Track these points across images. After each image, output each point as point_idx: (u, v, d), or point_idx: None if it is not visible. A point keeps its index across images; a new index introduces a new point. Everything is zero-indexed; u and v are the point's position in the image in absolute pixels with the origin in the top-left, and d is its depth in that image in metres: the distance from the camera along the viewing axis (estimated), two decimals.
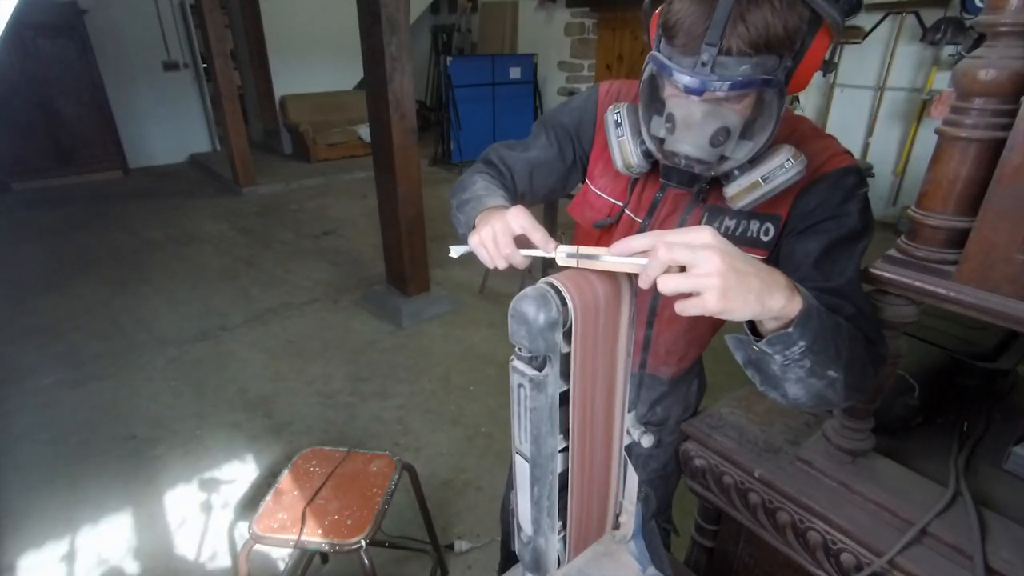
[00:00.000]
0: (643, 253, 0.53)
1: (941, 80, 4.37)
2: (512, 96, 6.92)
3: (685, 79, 0.63)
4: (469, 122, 6.62)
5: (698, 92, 0.64)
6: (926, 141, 4.54)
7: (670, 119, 0.70)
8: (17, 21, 5.14)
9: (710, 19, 0.61)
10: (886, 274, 0.74)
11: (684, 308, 0.53)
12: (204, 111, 7.09)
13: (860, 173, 0.76)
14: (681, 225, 0.84)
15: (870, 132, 4.88)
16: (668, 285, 0.51)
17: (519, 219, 0.65)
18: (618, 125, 0.79)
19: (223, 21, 5.32)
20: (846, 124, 5.03)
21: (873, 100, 4.81)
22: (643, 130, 0.77)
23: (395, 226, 3.23)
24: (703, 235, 0.51)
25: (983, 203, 0.64)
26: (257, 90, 7.32)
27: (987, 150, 0.64)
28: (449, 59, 6.35)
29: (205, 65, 6.12)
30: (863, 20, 4.63)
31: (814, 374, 0.60)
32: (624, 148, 0.79)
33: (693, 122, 0.67)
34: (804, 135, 0.79)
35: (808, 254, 0.74)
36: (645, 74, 0.72)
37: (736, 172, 0.73)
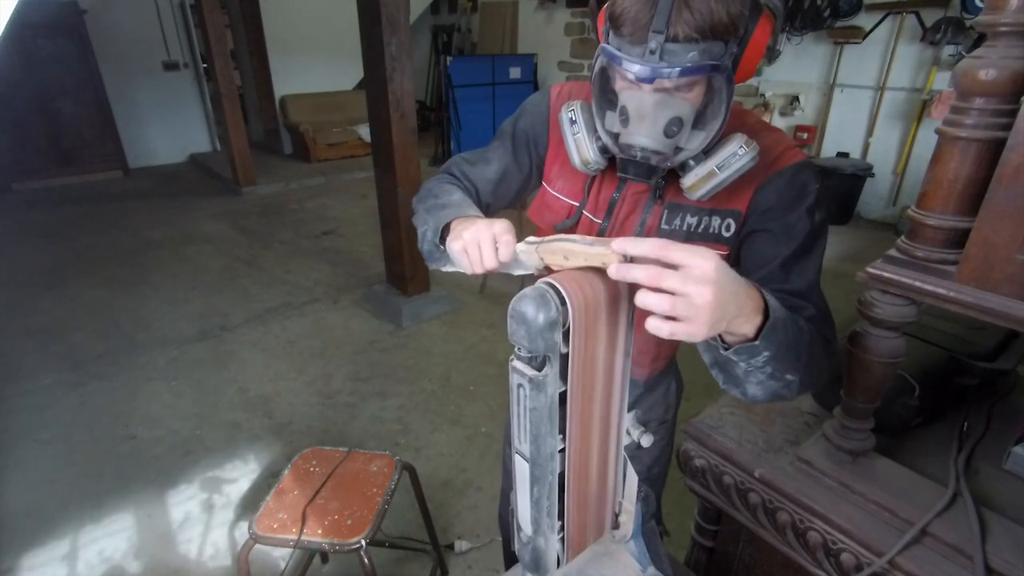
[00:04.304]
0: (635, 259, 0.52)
1: (941, 80, 4.36)
2: (512, 96, 6.90)
3: (635, 67, 0.63)
4: (469, 122, 6.61)
5: (648, 80, 0.64)
6: (926, 141, 4.53)
7: (623, 112, 0.70)
8: (17, 21, 5.14)
9: (655, 7, 0.61)
10: (886, 274, 0.73)
11: (659, 328, 0.51)
12: (204, 111, 7.08)
13: (813, 168, 0.78)
14: (642, 224, 0.84)
15: (870, 132, 4.88)
16: (650, 301, 0.50)
17: (504, 229, 0.67)
18: (573, 123, 0.79)
19: (223, 21, 5.32)
20: (846, 124, 5.03)
21: (873, 100, 4.80)
22: (598, 125, 0.76)
23: (395, 226, 3.23)
24: (707, 265, 0.49)
25: (983, 203, 0.64)
26: (257, 90, 7.32)
27: (987, 150, 0.64)
28: (449, 59, 6.35)
29: (205, 65, 6.11)
30: (863, 20, 4.64)
31: (774, 378, 0.64)
32: (580, 145, 0.78)
33: (646, 113, 0.67)
34: (754, 129, 0.79)
35: (775, 256, 0.76)
36: (596, 67, 0.72)
37: (691, 162, 0.73)
